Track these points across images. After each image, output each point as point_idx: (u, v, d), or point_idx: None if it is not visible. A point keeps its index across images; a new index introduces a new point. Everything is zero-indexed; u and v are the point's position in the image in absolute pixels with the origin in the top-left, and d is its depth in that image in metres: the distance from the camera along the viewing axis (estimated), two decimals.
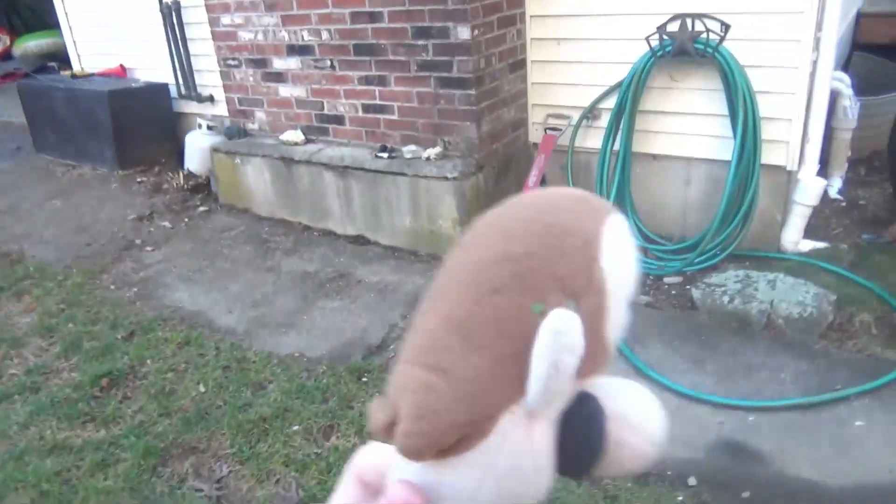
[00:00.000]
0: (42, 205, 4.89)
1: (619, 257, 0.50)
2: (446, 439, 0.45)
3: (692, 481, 2.20)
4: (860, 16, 6.02)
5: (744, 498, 2.14)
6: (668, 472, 2.25)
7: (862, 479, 2.18)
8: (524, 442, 0.45)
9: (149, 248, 4.09)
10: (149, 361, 2.93)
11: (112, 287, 3.64)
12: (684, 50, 3.27)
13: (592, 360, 0.45)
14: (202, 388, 2.73)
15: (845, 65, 5.89)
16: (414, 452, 0.45)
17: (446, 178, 3.51)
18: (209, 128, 5.11)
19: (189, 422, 2.54)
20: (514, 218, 0.52)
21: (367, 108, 3.90)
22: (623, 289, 0.49)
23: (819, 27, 3.13)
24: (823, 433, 2.37)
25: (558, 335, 0.47)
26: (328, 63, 3.91)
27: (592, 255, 0.50)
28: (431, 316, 0.49)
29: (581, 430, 0.45)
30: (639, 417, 0.49)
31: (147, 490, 2.25)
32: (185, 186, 5.01)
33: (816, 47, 3.17)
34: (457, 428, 0.45)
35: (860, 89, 5.08)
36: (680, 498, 2.13)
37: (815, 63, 3.19)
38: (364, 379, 2.76)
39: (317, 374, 2.80)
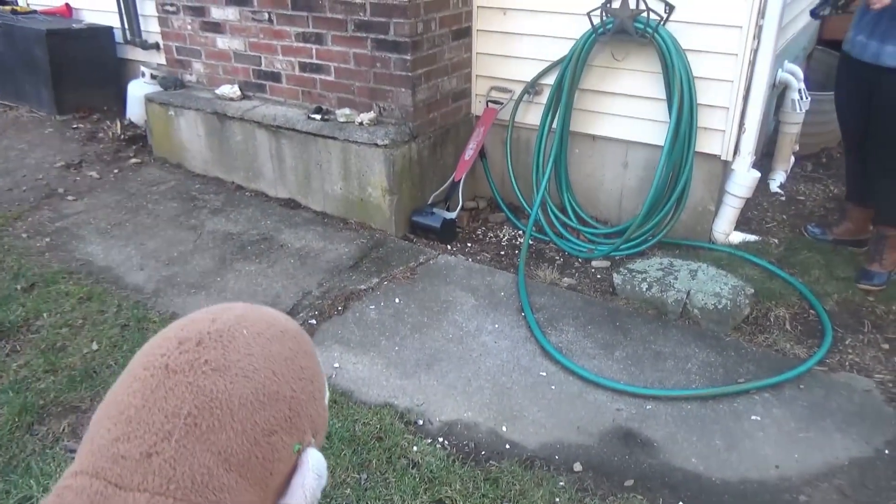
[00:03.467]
0: None
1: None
2: None
3: (577, 467, 2.17)
4: None
5: (626, 486, 2.11)
6: (556, 457, 2.21)
7: (747, 474, 2.17)
8: None
9: (70, 198, 3.94)
10: (45, 315, 2.81)
11: (24, 236, 3.49)
12: (624, 28, 3.18)
13: None
14: (95, 346, 2.63)
15: (808, 59, 5.86)
16: None
17: (376, 145, 3.40)
18: (153, 77, 4.91)
19: (75, 380, 2.44)
20: (274, 353, 0.60)
21: (303, 67, 3.76)
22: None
23: (762, 14, 3.07)
24: (717, 425, 2.35)
25: (319, 477, 0.60)
26: (266, 16, 3.75)
27: (324, 399, 0.66)
28: (202, 448, 0.53)
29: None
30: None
31: (16, 448, 2.16)
32: (122, 136, 4.84)
33: (758, 35, 3.10)
34: None
35: (818, 84, 5.05)
36: (562, 483, 2.10)
37: (755, 51, 3.13)
38: None
39: None
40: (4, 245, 3.37)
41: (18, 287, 2.99)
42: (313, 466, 0.60)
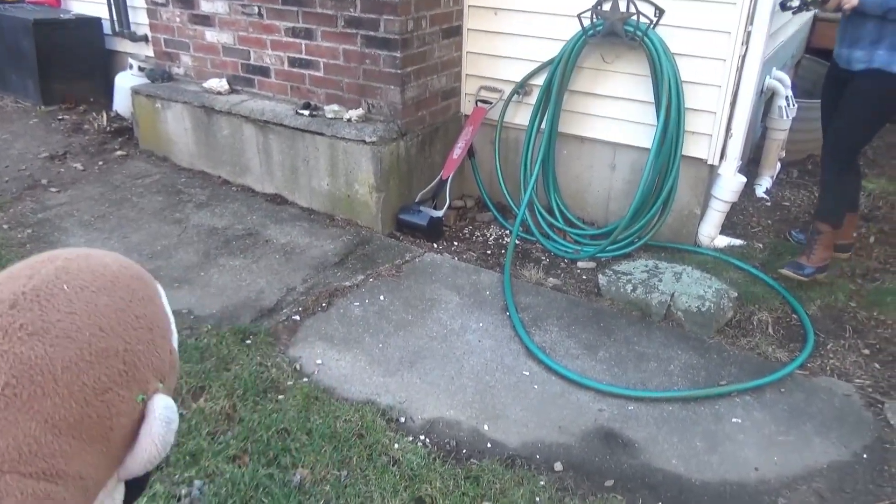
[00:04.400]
0: None
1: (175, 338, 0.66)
2: None
3: (558, 466, 2.17)
4: (816, 20, 6.03)
5: (606, 486, 2.11)
6: (537, 456, 2.21)
7: (727, 476, 2.18)
8: None
9: (54, 190, 3.89)
10: None
11: (5, 227, 3.45)
12: (614, 31, 3.19)
13: None
14: None
15: (796, 67, 5.91)
16: None
17: (364, 142, 3.39)
18: (141, 69, 4.87)
19: None
20: (101, 307, 0.57)
21: (293, 62, 3.74)
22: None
23: (750, 20, 3.08)
24: (698, 427, 2.36)
25: (169, 423, 0.59)
26: (256, 10, 3.73)
27: (170, 342, 0.63)
28: (25, 417, 0.50)
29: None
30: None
31: None
32: (108, 129, 4.79)
33: (746, 41, 3.12)
34: None
35: (805, 92, 5.09)
36: (542, 482, 2.10)
37: (743, 57, 3.15)
38: (248, 341, 2.66)
39: (199, 333, 2.69)
40: None
41: None
42: (160, 414, 0.58)
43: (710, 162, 3.35)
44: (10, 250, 3.22)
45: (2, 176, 4.03)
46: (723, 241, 3.57)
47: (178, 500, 1.96)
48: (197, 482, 2.01)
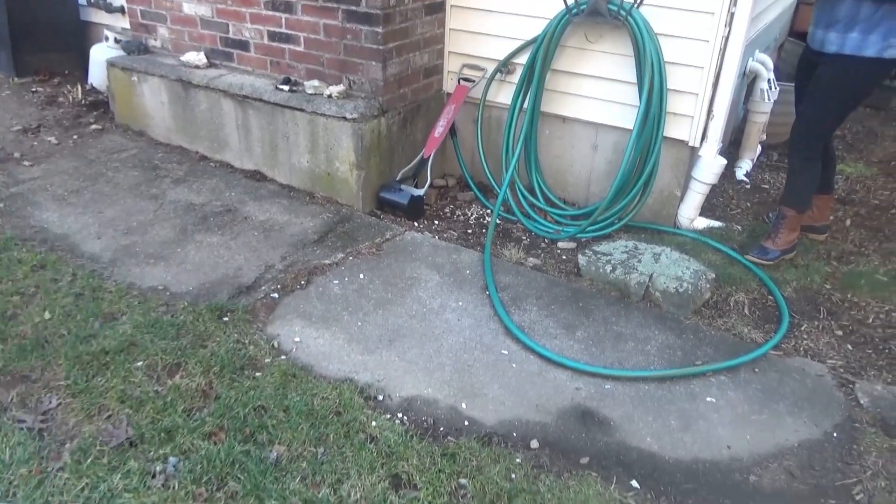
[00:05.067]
0: None
1: None
2: None
3: (534, 444, 2.19)
4: (800, 3, 6.03)
5: (581, 463, 2.13)
6: (514, 434, 2.22)
7: (700, 454, 2.20)
8: None
9: (27, 163, 3.81)
10: None
11: None
12: (598, 10, 3.16)
13: None
14: (47, 315, 2.56)
15: (779, 50, 5.91)
16: None
17: (345, 119, 3.35)
18: (116, 41, 4.76)
19: (25, 349, 2.38)
20: None
21: (272, 36, 3.67)
22: None
23: (734, 2, 3.07)
24: (674, 406, 2.39)
25: None
26: None
27: None
28: None
29: None
30: None
31: None
32: (83, 102, 4.69)
33: (729, 22, 3.11)
34: None
35: (788, 75, 5.10)
36: (518, 460, 2.11)
37: (726, 38, 3.14)
38: (225, 319, 2.64)
39: (175, 310, 2.66)
40: None
41: None
42: None
43: (691, 144, 3.36)
44: None
45: None
46: (702, 223, 3.59)
47: (153, 476, 1.95)
48: (172, 459, 2.00)
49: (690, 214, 3.55)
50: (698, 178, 3.43)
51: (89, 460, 1.97)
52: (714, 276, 3.04)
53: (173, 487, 1.91)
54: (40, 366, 2.33)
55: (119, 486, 1.90)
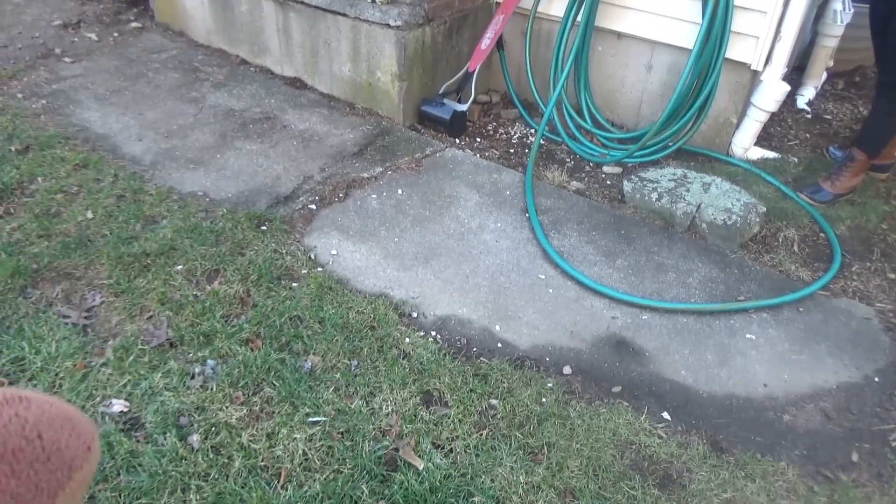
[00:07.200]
0: None
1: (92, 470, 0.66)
2: None
3: (567, 370, 2.18)
4: None
5: (613, 392, 2.13)
6: (546, 359, 2.22)
7: (734, 390, 2.18)
8: None
9: (68, 60, 3.78)
10: (39, 179, 2.75)
11: (19, 96, 3.38)
12: None
13: None
14: (90, 215, 2.58)
15: None
16: None
17: (388, 26, 3.21)
18: None
19: (69, 247, 2.42)
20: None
21: None
22: None
23: None
24: (711, 341, 2.34)
25: None
26: None
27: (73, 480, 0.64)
28: None
29: None
30: None
31: (9, 309, 2.16)
32: None
33: None
34: None
35: None
36: (550, 385, 2.11)
37: None
38: (263, 227, 2.64)
39: (215, 217, 2.66)
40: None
41: (12, 148, 2.91)
42: None
43: (753, 67, 3.16)
44: (24, 120, 3.16)
45: (15, 41, 3.91)
46: (757, 153, 3.43)
47: (192, 377, 2.00)
48: (210, 361, 2.05)
49: (745, 143, 3.38)
50: (758, 104, 3.25)
51: (131, 358, 2.03)
52: (765, 209, 2.92)
53: (211, 389, 1.96)
54: (83, 264, 2.37)
55: (160, 385, 1.96)
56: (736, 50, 3.12)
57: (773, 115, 3.37)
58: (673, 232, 2.87)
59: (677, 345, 2.32)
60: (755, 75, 3.22)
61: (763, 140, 3.53)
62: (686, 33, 3.19)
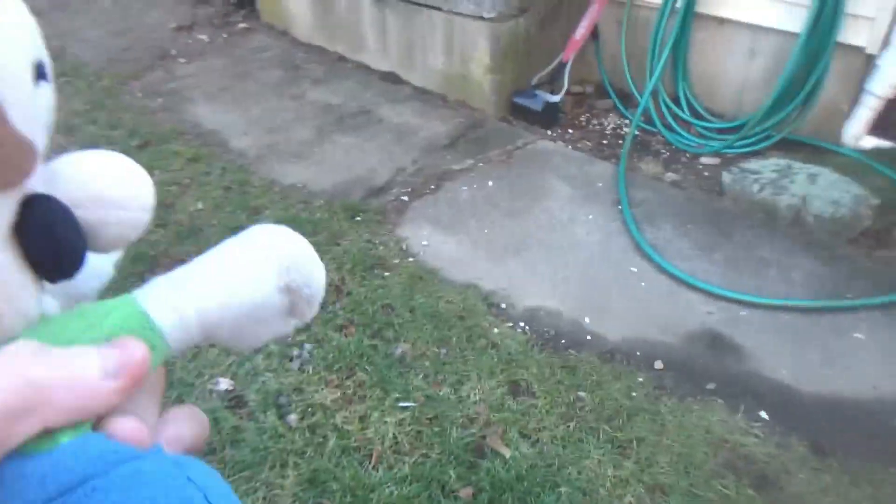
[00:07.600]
0: (91, 2, 4.83)
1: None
2: None
3: (658, 365, 2.14)
4: None
5: (707, 389, 2.07)
6: (637, 353, 2.19)
7: (841, 391, 2.07)
8: None
9: (182, 60, 4.04)
10: (157, 172, 2.96)
11: (139, 95, 3.64)
12: None
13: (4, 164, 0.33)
14: (200, 206, 2.76)
15: None
16: None
17: (482, 18, 3.23)
18: None
19: (181, 235, 2.60)
20: None
21: None
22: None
23: None
24: (816, 340, 2.23)
25: None
26: None
27: None
28: None
29: (47, 238, 0.36)
30: (119, 193, 0.42)
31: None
32: (232, 0, 4.85)
33: None
34: None
35: None
36: (640, 379, 2.08)
37: None
38: (357, 218, 2.73)
39: (312, 208, 2.79)
40: (122, 103, 3.53)
41: (134, 144, 3.16)
42: None
43: (868, 50, 2.96)
44: (142, 118, 3.41)
45: (136, 44, 4.22)
46: (870, 143, 3.21)
47: (291, 360, 2.11)
48: (307, 346, 2.15)
49: (857, 132, 3.18)
50: (873, 90, 3.04)
51: None
52: (878, 202, 2.74)
53: (308, 372, 2.06)
54: (195, 251, 2.51)
55: (261, 366, 2.08)
56: (849, 32, 2.93)
57: (889, 101, 3.14)
58: (775, 225, 2.74)
59: (778, 342, 2.22)
60: (870, 59, 3.01)
61: (878, 129, 3.30)
62: (793, 16, 3.02)
